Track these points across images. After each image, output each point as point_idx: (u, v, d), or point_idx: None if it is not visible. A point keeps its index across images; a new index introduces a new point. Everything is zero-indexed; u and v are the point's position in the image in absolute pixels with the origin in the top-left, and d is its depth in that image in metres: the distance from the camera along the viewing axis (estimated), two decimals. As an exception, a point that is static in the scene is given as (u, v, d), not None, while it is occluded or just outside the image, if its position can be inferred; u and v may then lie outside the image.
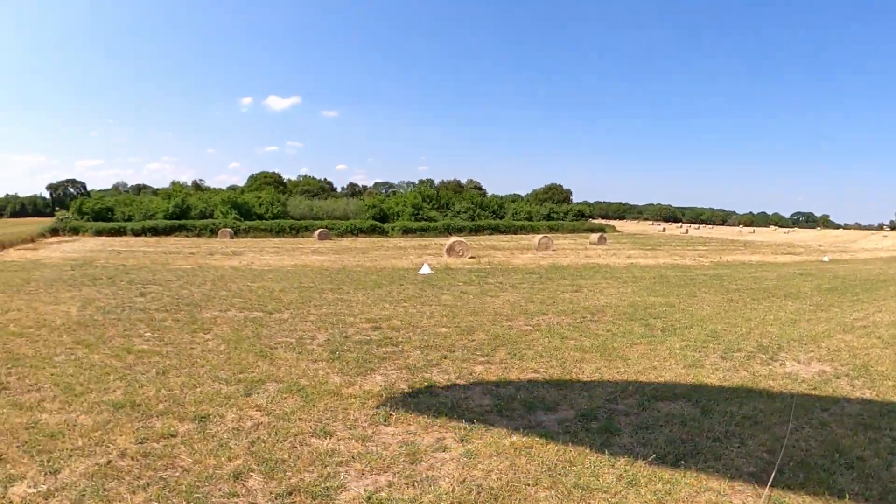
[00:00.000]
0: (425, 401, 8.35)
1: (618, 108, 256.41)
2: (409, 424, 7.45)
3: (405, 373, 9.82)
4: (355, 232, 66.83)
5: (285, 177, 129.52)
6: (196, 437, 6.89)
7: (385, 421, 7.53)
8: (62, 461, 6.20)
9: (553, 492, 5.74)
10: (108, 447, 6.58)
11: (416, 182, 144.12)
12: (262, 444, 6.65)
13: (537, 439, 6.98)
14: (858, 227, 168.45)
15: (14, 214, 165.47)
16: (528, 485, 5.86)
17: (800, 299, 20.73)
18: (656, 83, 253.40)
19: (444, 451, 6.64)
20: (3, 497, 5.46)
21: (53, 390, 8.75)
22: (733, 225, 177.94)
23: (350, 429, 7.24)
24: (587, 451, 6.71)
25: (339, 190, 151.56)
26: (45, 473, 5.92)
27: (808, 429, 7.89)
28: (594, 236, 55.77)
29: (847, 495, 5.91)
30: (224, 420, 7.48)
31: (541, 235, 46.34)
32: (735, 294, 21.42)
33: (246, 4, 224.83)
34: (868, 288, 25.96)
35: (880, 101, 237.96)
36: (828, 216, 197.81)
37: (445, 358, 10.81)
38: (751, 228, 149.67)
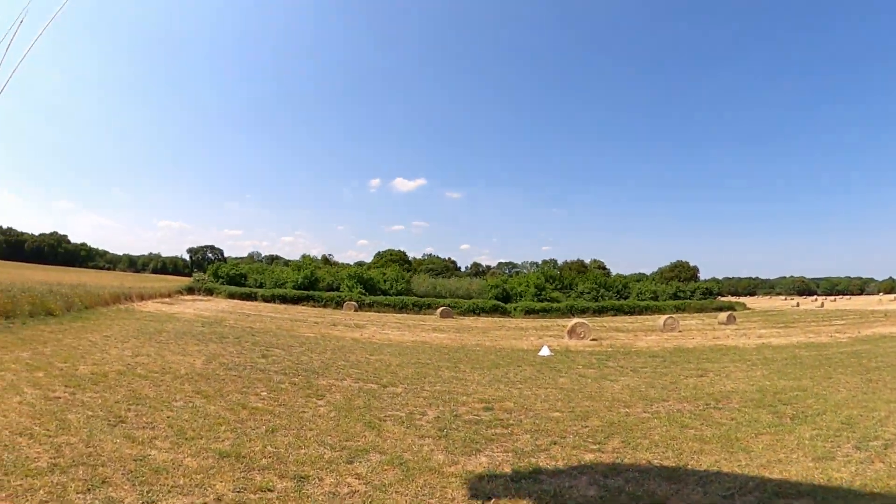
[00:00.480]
0: (527, 487, 7.96)
1: (742, 182, 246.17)
2: (508, 508, 7.11)
3: (511, 456, 9.43)
4: (477, 311, 66.20)
5: (410, 255, 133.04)
6: (292, 494, 7.03)
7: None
8: (160, 495, 6.68)
9: None
10: (206, 490, 6.96)
11: (539, 262, 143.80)
12: (355, 512, 6.60)
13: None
14: None
15: (155, 271, 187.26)
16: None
17: (945, 371, 18.71)
18: (780, 157, 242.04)
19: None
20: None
21: (166, 431, 9.49)
22: (872, 293, 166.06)
23: (447, 510, 7.01)
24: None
25: (462, 269, 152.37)
26: (143, 503, 6.39)
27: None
28: (722, 315, 51.92)
29: None
30: (322, 483, 7.55)
31: (666, 316, 44.39)
32: (875, 373, 19.46)
33: (374, 97, 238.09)
34: None
35: None
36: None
37: (555, 444, 10.27)
38: (892, 296, 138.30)
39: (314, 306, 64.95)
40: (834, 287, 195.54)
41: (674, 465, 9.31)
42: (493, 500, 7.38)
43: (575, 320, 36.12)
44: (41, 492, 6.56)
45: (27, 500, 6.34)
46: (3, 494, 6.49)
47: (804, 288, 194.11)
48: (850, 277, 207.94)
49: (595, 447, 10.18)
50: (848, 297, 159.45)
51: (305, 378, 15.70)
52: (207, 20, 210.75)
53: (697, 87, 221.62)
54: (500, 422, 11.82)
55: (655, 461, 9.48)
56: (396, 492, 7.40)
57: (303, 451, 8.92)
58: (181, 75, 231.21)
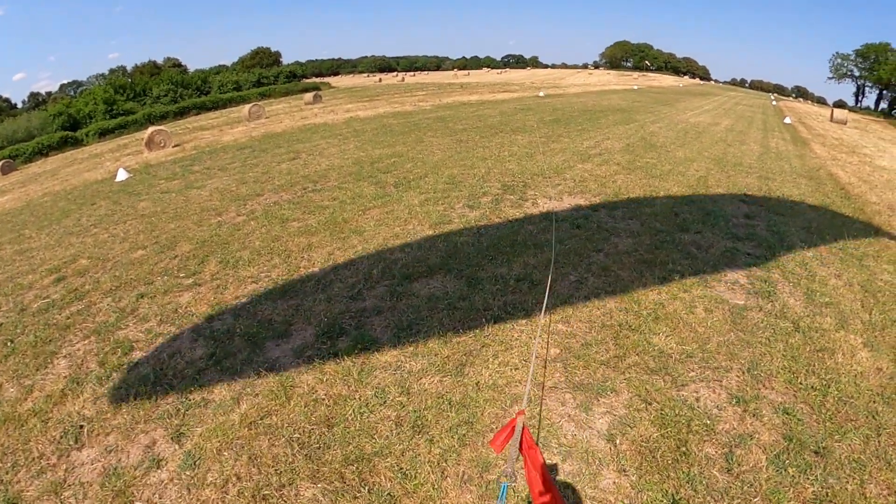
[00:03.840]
0: (122, 381, 5.51)
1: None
2: (108, 433, 4.76)
3: (94, 341, 6.59)
4: (45, 151, 54.29)
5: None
6: None
7: (77, 441, 4.73)
8: None
9: (321, 485, 3.89)
10: None
11: (107, 73, 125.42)
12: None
13: (274, 401, 4.82)
14: (565, 66, 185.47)
15: None
16: (283, 486, 3.92)
17: (528, 133, 20.43)
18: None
19: (158, 467, 4.26)
20: None
21: None
22: (448, 69, 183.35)
23: (37, 475, 4.40)
24: (343, 391, 4.84)
25: (20, 106, 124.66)
26: None
27: (592, 278, 6.67)
28: (308, 96, 52.05)
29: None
30: None
31: (250, 105, 42.01)
32: (463, 134, 20.45)
33: None
34: (589, 118, 26.96)
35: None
36: (537, 57, 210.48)
37: (143, 296, 7.69)
38: (465, 71, 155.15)
39: None
40: (412, 64, 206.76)
41: (284, 274, 7.67)
42: (86, 426, 4.88)
43: (150, 130, 31.74)
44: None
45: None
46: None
47: (385, 66, 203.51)
48: (427, 56, 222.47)
49: (190, 281, 7.98)
50: (426, 73, 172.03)
51: None
52: None
53: None
54: (75, 293, 8.45)
55: (263, 275, 7.73)
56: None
57: None
58: None
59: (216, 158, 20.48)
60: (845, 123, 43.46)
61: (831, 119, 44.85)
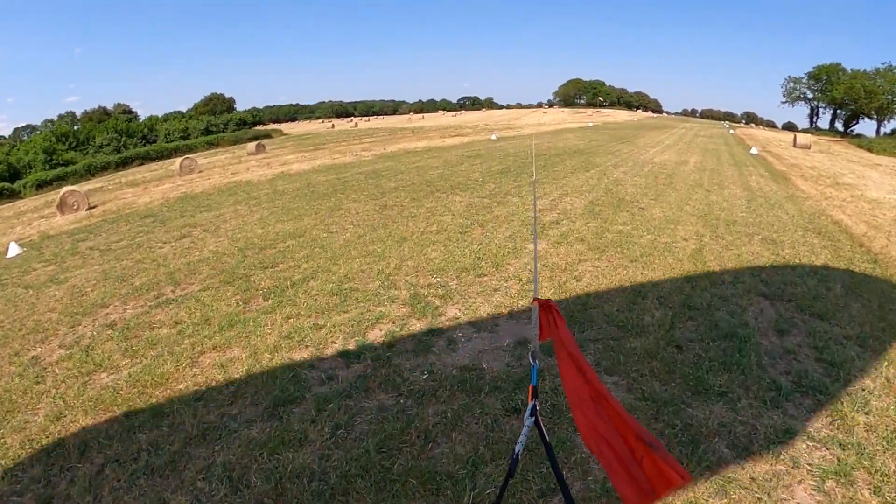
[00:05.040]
0: None
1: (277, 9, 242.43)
2: None
3: None
4: None
5: None
6: None
7: None
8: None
9: None
10: None
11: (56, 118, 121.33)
12: None
13: None
14: (520, 106, 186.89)
15: None
16: None
17: (470, 190, 17.13)
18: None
19: None
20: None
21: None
22: (404, 113, 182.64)
23: None
24: None
25: None
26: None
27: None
28: (251, 146, 49.33)
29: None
30: None
31: (182, 158, 38.46)
32: (392, 196, 17.15)
33: None
34: (544, 164, 23.92)
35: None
36: (492, 98, 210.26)
37: None
38: (420, 115, 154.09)
39: None
40: (369, 109, 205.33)
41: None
42: None
43: (64, 190, 27.77)
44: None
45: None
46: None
47: (342, 111, 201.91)
48: (384, 100, 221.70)
49: None
50: (381, 117, 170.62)
51: None
52: None
53: None
54: None
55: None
56: None
57: None
58: None
59: (112, 231, 16.81)
60: (809, 148, 42.68)
61: (794, 145, 43.90)
